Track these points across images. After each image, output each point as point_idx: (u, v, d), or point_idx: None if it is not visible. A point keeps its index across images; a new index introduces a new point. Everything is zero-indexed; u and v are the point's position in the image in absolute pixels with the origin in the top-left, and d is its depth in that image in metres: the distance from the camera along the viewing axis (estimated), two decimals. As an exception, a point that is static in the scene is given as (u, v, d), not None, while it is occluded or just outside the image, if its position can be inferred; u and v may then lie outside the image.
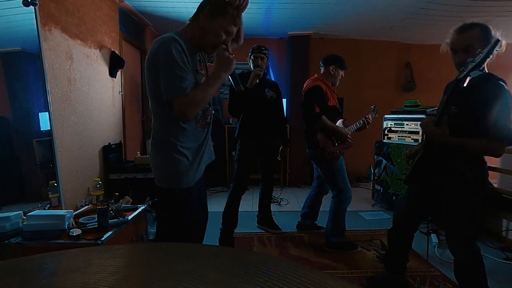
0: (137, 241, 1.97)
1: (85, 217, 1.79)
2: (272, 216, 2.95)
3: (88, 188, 2.70)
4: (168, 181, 1.26)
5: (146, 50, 4.22)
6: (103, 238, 1.56)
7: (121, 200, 2.11)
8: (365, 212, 3.49)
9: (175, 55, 1.12)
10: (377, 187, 3.74)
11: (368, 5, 3.57)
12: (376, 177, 3.77)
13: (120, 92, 3.60)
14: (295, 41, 4.75)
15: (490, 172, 1.56)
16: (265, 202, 2.92)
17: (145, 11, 3.82)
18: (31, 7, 1.82)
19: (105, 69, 3.20)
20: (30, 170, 2.14)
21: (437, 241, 2.55)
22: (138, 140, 4.29)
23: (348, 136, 2.41)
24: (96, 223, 1.66)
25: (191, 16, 1.27)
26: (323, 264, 2.27)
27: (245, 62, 2.63)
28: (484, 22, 1.41)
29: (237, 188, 2.54)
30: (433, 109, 3.23)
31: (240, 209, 2.57)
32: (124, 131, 3.69)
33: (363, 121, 2.52)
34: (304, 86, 2.51)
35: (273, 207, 3.22)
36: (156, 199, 2.60)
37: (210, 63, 1.41)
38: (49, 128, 2.01)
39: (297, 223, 2.92)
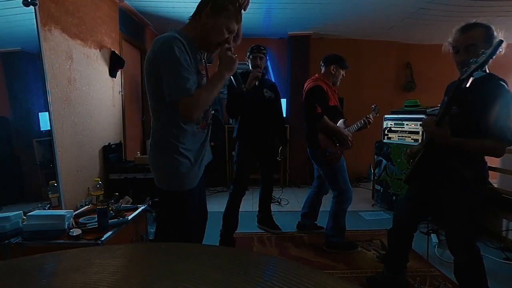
0: (137, 241, 1.97)
1: (85, 217, 1.79)
2: (272, 216, 2.95)
3: (88, 188, 2.70)
4: (169, 183, 1.25)
5: (146, 50, 4.22)
6: (103, 238, 1.56)
7: (121, 200, 2.11)
8: (365, 212, 3.49)
9: (178, 55, 1.11)
10: (377, 187, 3.74)
11: (368, 5, 3.57)
12: (376, 177, 3.77)
13: (120, 92, 3.60)
14: (295, 41, 4.75)
15: (490, 172, 1.56)
16: (265, 202, 2.92)
17: (145, 11, 3.82)
18: (31, 7, 1.82)
19: (105, 69, 3.20)
20: (30, 170, 2.14)
21: (437, 241, 2.55)
22: (138, 140, 4.29)
23: (350, 137, 2.40)
24: (96, 223, 1.66)
25: (191, 15, 1.26)
26: (323, 264, 2.27)
27: (244, 62, 2.61)
28: (485, 22, 1.41)
29: (237, 190, 2.53)
30: (433, 109, 3.23)
31: (240, 209, 2.57)
32: (124, 131, 3.69)
33: (364, 120, 2.51)
34: (305, 86, 2.50)
35: (273, 207, 3.22)
36: (156, 199, 2.60)
37: (208, 63, 1.41)
38: (49, 128, 2.01)
39: (297, 223, 2.92)
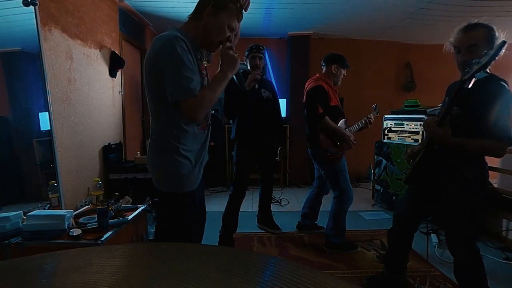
0: (137, 241, 1.97)
1: (85, 217, 1.79)
2: (272, 216, 2.95)
3: (88, 188, 2.70)
4: (170, 184, 1.22)
5: (146, 50, 4.21)
6: (103, 238, 1.56)
7: (121, 200, 2.11)
8: (365, 212, 3.49)
9: (181, 54, 1.08)
10: (377, 187, 3.74)
11: (368, 5, 3.57)
12: (376, 177, 3.77)
13: (120, 92, 3.60)
14: (295, 41, 4.76)
15: (490, 172, 1.56)
16: (265, 202, 2.92)
17: (145, 11, 3.82)
18: (31, 7, 1.82)
19: (105, 69, 3.20)
20: (30, 170, 2.14)
21: (437, 241, 2.55)
22: (138, 140, 4.29)
23: (352, 138, 2.38)
24: (96, 223, 1.66)
25: (190, 14, 1.24)
26: (323, 264, 2.27)
27: (242, 62, 2.60)
28: (486, 22, 1.41)
29: (237, 191, 2.51)
30: (433, 109, 3.23)
31: (240, 209, 2.57)
32: (124, 131, 3.69)
33: (365, 120, 2.51)
34: (306, 85, 2.49)
35: (273, 207, 3.22)
36: (156, 199, 2.60)
37: (207, 61, 1.39)
38: (49, 128, 2.01)
39: (297, 223, 2.92)
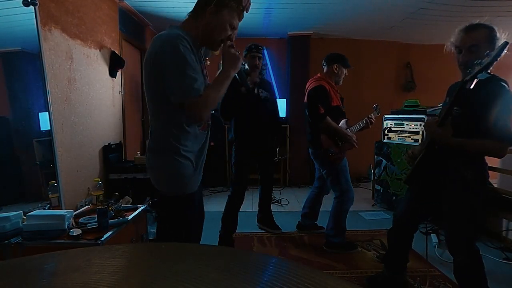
0: (137, 241, 1.97)
1: (85, 217, 1.79)
2: (273, 216, 2.94)
3: (88, 188, 2.70)
4: (171, 185, 1.20)
5: (146, 50, 4.22)
6: (103, 238, 1.56)
7: (121, 200, 2.11)
8: (365, 212, 3.50)
9: (184, 54, 1.07)
10: (377, 187, 3.74)
11: (368, 5, 3.57)
12: (376, 177, 3.77)
13: (120, 92, 3.60)
14: (295, 41, 4.76)
15: (490, 172, 1.56)
16: (265, 202, 2.91)
17: (145, 11, 3.82)
18: (31, 7, 1.82)
19: (105, 69, 3.20)
20: (30, 170, 2.14)
21: (437, 241, 2.55)
22: (138, 140, 4.29)
23: (354, 138, 2.38)
24: (96, 223, 1.66)
25: (190, 12, 1.22)
26: (323, 264, 2.27)
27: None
28: (486, 22, 1.41)
29: (236, 192, 2.50)
30: (433, 109, 3.23)
31: (240, 209, 2.56)
32: (124, 131, 3.69)
33: (366, 120, 2.50)
34: (307, 85, 2.48)
35: (273, 207, 3.22)
36: (156, 199, 2.59)
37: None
38: (49, 128, 2.01)
39: (297, 223, 2.92)
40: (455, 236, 1.53)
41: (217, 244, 2.46)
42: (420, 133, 3.20)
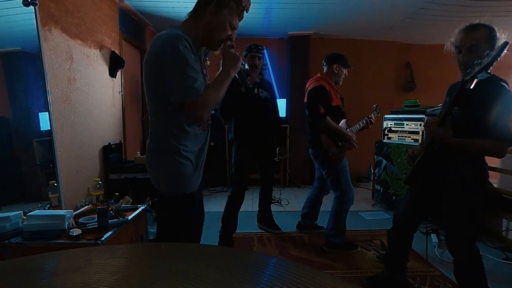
0: (137, 241, 1.97)
1: (85, 217, 1.79)
2: (273, 216, 2.94)
3: (88, 188, 2.70)
4: (171, 186, 1.20)
5: (146, 50, 4.22)
6: (103, 238, 1.56)
7: (121, 200, 2.11)
8: (365, 212, 3.50)
9: (184, 54, 1.07)
10: (377, 187, 3.74)
11: (368, 5, 3.57)
12: (376, 177, 3.77)
13: (120, 92, 3.60)
14: (295, 41, 4.76)
15: (490, 172, 1.56)
16: (265, 202, 2.91)
17: (145, 11, 3.82)
18: (31, 7, 1.82)
19: (105, 69, 3.20)
20: (30, 170, 2.14)
21: (437, 241, 2.55)
22: (138, 140, 4.29)
23: (354, 138, 2.37)
24: (96, 223, 1.66)
25: (190, 12, 1.21)
26: (323, 264, 2.27)
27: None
28: (486, 22, 1.41)
29: (236, 192, 2.49)
30: (433, 109, 3.23)
31: (240, 209, 2.56)
32: (124, 131, 3.69)
33: (366, 120, 2.50)
34: (307, 85, 2.48)
35: (273, 207, 3.22)
36: (156, 199, 2.59)
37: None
38: (49, 128, 2.01)
39: (297, 223, 2.92)
40: (455, 236, 1.53)
41: (217, 244, 2.46)
42: (420, 133, 3.20)
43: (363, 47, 5.04)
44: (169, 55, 1.07)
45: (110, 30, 3.27)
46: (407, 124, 3.36)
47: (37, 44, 1.89)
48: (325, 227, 2.57)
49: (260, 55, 2.49)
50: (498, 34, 1.38)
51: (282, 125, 4.68)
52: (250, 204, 3.69)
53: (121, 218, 1.79)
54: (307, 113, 2.42)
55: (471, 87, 1.30)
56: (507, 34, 1.37)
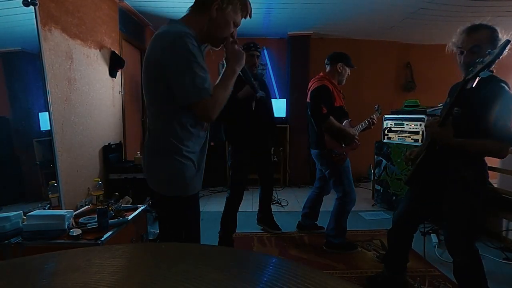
0: (137, 241, 1.97)
1: (85, 217, 1.79)
2: (273, 216, 2.94)
3: (88, 188, 2.70)
4: (174, 187, 1.17)
5: (146, 50, 4.22)
6: (103, 238, 1.56)
7: (121, 200, 2.11)
8: (365, 212, 3.50)
9: (193, 53, 1.04)
10: (377, 187, 3.74)
11: (368, 5, 3.57)
12: (376, 177, 3.77)
13: (120, 92, 3.60)
14: (295, 41, 4.76)
15: (490, 172, 1.56)
16: (265, 203, 2.90)
17: (145, 11, 3.82)
18: (31, 7, 1.82)
19: (105, 69, 3.20)
20: (30, 170, 2.14)
21: (437, 241, 2.56)
22: (138, 140, 4.29)
23: (356, 137, 2.37)
24: (96, 223, 1.66)
25: (192, 8, 1.19)
26: (323, 264, 2.27)
27: None
28: (488, 23, 1.41)
29: (235, 194, 2.46)
30: (433, 109, 3.23)
31: (240, 209, 2.56)
32: (124, 131, 3.69)
33: (368, 121, 2.49)
34: (310, 85, 2.45)
35: (273, 207, 3.22)
36: (154, 200, 2.58)
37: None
38: (49, 128, 2.01)
39: (297, 223, 2.92)
40: (454, 237, 1.53)
41: (217, 244, 2.46)
42: (420, 133, 3.20)
43: (363, 47, 5.04)
44: (178, 54, 1.03)
45: (110, 30, 3.27)
46: (407, 124, 3.36)
47: (37, 44, 1.89)
48: (326, 227, 2.56)
49: (259, 53, 2.47)
50: (500, 35, 1.37)
51: (282, 125, 4.69)
52: (250, 204, 3.69)
53: (121, 218, 1.79)
54: (310, 113, 2.40)
55: (473, 85, 1.30)
56: (509, 34, 1.37)
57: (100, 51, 3.06)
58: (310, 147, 2.54)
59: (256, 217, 2.98)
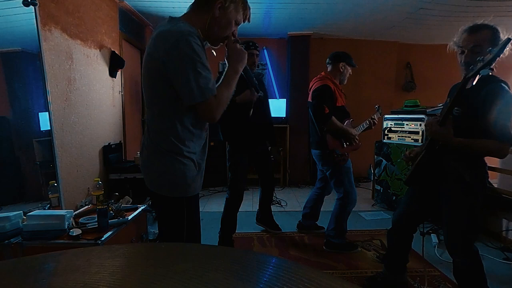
0: (137, 241, 1.97)
1: (85, 217, 1.79)
2: (273, 215, 2.93)
3: (88, 188, 2.71)
4: (174, 189, 1.16)
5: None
6: (103, 238, 1.56)
7: (121, 200, 2.11)
8: (365, 212, 3.50)
9: (197, 52, 1.03)
10: (377, 187, 3.74)
11: (368, 5, 3.57)
12: (376, 177, 3.77)
13: (120, 92, 3.60)
14: (295, 41, 4.76)
15: (490, 172, 1.56)
16: (265, 203, 2.89)
17: (145, 11, 3.82)
18: (31, 7, 1.82)
19: (105, 69, 3.20)
20: (30, 170, 2.14)
21: (437, 241, 2.56)
22: (138, 140, 4.29)
23: (356, 137, 2.36)
24: (96, 223, 1.66)
25: (194, 5, 1.17)
26: (323, 264, 2.27)
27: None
28: (489, 23, 1.41)
29: (235, 195, 2.45)
30: (433, 109, 3.23)
31: (240, 209, 2.55)
32: (124, 131, 3.69)
33: (369, 121, 2.49)
34: (311, 85, 2.44)
35: (273, 207, 3.21)
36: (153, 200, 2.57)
37: None
38: (49, 128, 2.01)
39: (297, 222, 2.91)
40: (454, 237, 1.53)
41: (217, 244, 2.46)
42: (420, 133, 3.20)
43: (363, 47, 5.04)
44: (183, 54, 1.02)
45: (110, 30, 3.27)
46: (407, 124, 3.36)
47: (37, 44, 1.89)
48: (326, 228, 2.56)
49: (258, 52, 2.46)
50: (501, 35, 1.37)
51: (282, 125, 4.69)
52: (250, 204, 3.69)
53: (121, 218, 1.79)
54: (312, 113, 2.39)
55: (473, 83, 1.30)
56: (510, 34, 1.36)
57: (100, 51, 3.06)
58: (311, 147, 2.54)
59: (256, 217, 2.98)
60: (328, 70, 2.45)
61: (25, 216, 1.63)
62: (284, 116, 4.75)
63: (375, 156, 3.77)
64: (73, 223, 1.71)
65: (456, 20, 3.85)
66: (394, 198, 3.44)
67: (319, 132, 2.36)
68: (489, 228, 2.65)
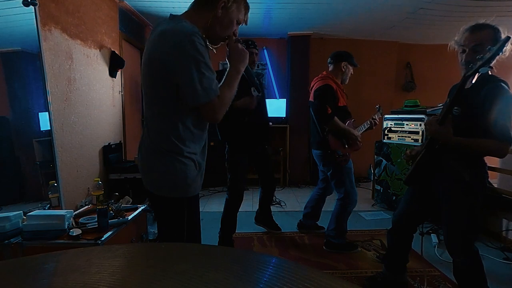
0: (137, 241, 1.97)
1: (85, 217, 1.79)
2: (272, 216, 2.93)
3: (88, 188, 2.71)
4: (174, 189, 1.14)
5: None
6: (103, 238, 1.56)
7: (121, 200, 2.11)
8: (365, 212, 3.50)
9: (201, 53, 1.02)
10: (377, 187, 3.74)
11: (368, 5, 3.57)
12: (376, 177, 3.77)
13: (120, 92, 3.60)
14: (295, 41, 4.76)
15: (490, 172, 1.56)
16: (265, 203, 2.89)
17: (145, 11, 3.82)
18: (31, 7, 1.82)
19: (105, 69, 3.20)
20: (30, 170, 2.14)
21: (437, 241, 2.55)
22: (138, 140, 4.26)
23: (359, 137, 2.36)
24: (96, 223, 1.66)
25: (195, 4, 1.16)
26: (323, 264, 2.27)
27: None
28: (490, 22, 1.41)
29: (235, 195, 2.44)
30: (433, 109, 3.23)
31: (240, 209, 2.55)
32: (124, 131, 3.69)
33: (370, 121, 2.48)
34: (312, 84, 2.42)
35: (273, 207, 3.21)
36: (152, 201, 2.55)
37: None
38: (49, 128, 2.01)
39: (297, 222, 2.91)
40: (453, 237, 1.53)
41: (217, 244, 2.46)
42: (420, 133, 3.20)
43: (363, 47, 5.04)
44: (186, 54, 1.01)
45: (110, 30, 3.27)
46: (407, 124, 3.36)
47: (37, 44, 1.89)
48: (326, 228, 2.56)
49: (257, 51, 2.45)
50: (503, 35, 1.37)
51: (282, 125, 4.69)
52: (250, 204, 3.69)
53: (121, 218, 1.79)
54: (313, 113, 2.38)
55: (473, 81, 1.30)
56: None
57: (100, 51, 3.06)
58: (312, 147, 2.53)
59: (255, 217, 2.97)
60: (329, 69, 2.44)
61: (25, 216, 1.63)
62: (284, 116, 4.75)
63: (375, 156, 3.77)
64: (73, 223, 1.71)
65: (456, 20, 3.85)
66: (394, 198, 3.44)
67: (321, 133, 2.35)
68: (489, 228, 2.65)
